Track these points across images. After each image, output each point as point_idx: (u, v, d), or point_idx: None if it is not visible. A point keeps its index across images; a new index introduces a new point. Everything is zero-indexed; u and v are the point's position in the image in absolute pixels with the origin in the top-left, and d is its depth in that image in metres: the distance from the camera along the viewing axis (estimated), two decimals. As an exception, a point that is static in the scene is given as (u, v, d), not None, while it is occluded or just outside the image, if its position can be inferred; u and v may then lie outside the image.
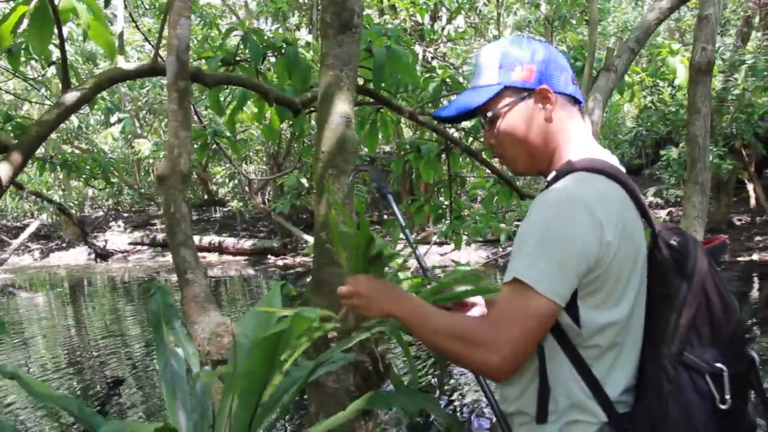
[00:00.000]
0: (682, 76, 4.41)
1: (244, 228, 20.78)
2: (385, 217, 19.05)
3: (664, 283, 1.30)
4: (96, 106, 7.13)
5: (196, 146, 4.49)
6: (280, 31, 12.14)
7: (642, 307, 1.33)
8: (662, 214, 15.54)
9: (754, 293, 9.59)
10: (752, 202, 14.44)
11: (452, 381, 6.05)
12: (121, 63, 3.19)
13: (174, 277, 12.10)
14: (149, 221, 23.11)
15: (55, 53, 4.40)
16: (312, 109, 3.80)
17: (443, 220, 5.44)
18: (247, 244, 18.63)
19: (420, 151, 4.61)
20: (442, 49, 14.59)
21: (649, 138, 14.54)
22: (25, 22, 2.71)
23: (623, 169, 1.37)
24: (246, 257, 18.18)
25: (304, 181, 15.24)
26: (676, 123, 12.65)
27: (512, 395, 1.40)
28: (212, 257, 18.43)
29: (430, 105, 4.44)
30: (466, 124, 5.16)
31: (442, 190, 5.74)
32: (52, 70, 5.99)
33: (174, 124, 2.43)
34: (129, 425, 1.12)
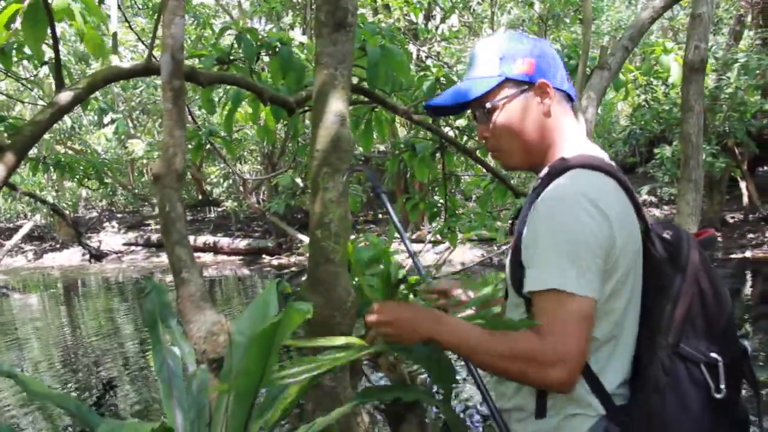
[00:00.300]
0: (675, 74, 4.43)
1: (238, 228, 20.75)
2: (380, 216, 19.07)
3: (658, 275, 1.31)
4: (89, 107, 7.10)
5: (190, 146, 4.48)
6: (274, 30, 12.13)
7: (638, 300, 1.34)
8: (656, 212, 15.60)
9: (747, 290, 9.63)
10: (745, 200, 14.50)
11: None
12: (115, 63, 3.19)
13: (168, 278, 12.09)
14: (143, 222, 23.05)
15: (48, 53, 4.39)
16: (306, 108, 3.80)
17: (438, 219, 5.44)
18: (241, 244, 18.61)
19: (415, 150, 4.61)
20: (436, 48, 14.59)
21: (643, 136, 14.59)
22: (18, 21, 2.70)
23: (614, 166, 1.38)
24: (241, 257, 18.16)
25: (298, 180, 15.23)
26: (669, 121, 12.69)
27: (509, 392, 1.41)
28: (207, 257, 18.39)
29: (424, 104, 4.43)
30: (461, 122, 5.16)
31: (436, 188, 5.73)
32: (44, 71, 5.96)
33: (169, 123, 2.42)
34: (126, 425, 1.12)
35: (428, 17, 15.18)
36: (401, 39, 4.04)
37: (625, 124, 16.16)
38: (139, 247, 20.84)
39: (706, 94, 10.34)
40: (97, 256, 19.21)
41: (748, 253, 12.36)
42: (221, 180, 20.55)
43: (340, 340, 1.38)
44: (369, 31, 3.62)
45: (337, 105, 2.19)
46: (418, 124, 4.33)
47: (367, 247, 2.91)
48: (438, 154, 4.75)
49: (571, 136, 1.43)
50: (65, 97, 2.63)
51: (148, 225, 22.48)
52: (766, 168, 16.40)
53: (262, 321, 1.78)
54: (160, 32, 2.70)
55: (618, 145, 15.77)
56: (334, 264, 2.15)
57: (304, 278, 2.29)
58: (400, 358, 1.54)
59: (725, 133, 12.36)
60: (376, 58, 3.45)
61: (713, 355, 1.28)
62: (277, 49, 3.68)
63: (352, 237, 2.77)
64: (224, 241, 18.98)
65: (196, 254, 2.58)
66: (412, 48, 11.50)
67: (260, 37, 3.77)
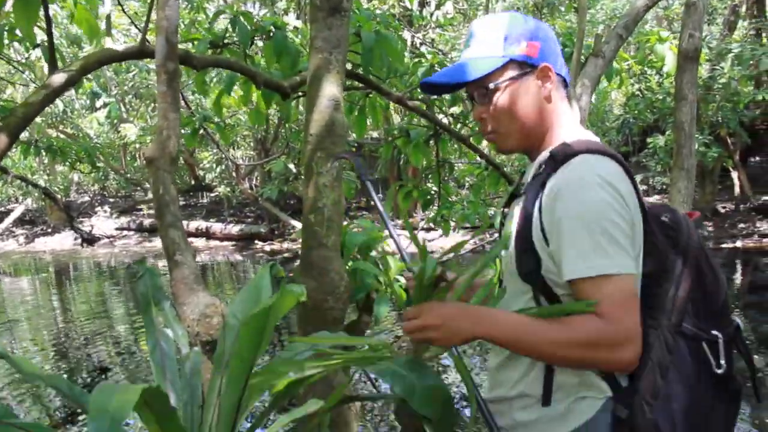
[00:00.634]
0: (670, 63, 4.43)
1: (231, 213, 20.73)
2: (373, 203, 19.06)
3: (659, 258, 1.32)
4: (81, 90, 7.07)
5: (185, 132, 4.47)
6: (268, 15, 12.06)
7: (639, 282, 1.35)
8: (648, 201, 15.64)
9: (738, 279, 9.70)
10: (737, 190, 14.57)
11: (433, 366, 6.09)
12: (109, 45, 3.17)
13: (161, 262, 12.09)
14: (135, 206, 22.99)
15: (40, 36, 4.36)
16: (300, 93, 3.79)
17: (431, 206, 5.45)
18: (234, 229, 18.60)
19: (409, 136, 4.60)
20: (431, 35, 14.54)
21: (636, 125, 14.64)
22: (10, 2, 2.68)
23: None
24: (233, 243, 18.15)
25: (291, 166, 15.21)
26: (663, 111, 12.73)
27: (513, 379, 1.41)
28: (199, 243, 18.38)
29: (419, 90, 4.43)
30: (455, 109, 5.15)
31: (429, 176, 5.73)
32: (36, 53, 5.92)
33: (163, 105, 2.41)
34: (120, 387, 1.12)
35: (423, 4, 15.12)
36: (396, 26, 4.03)
37: (619, 113, 16.19)
38: (131, 232, 20.80)
39: (700, 83, 10.35)
40: (89, 240, 19.15)
41: (738, 243, 12.44)
42: (214, 165, 20.49)
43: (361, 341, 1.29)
44: (364, 16, 3.61)
45: (331, 89, 2.19)
46: (413, 111, 4.32)
47: (360, 232, 2.92)
48: (432, 141, 4.74)
49: (568, 122, 1.43)
50: (58, 79, 2.62)
51: (140, 210, 22.43)
52: (758, 158, 16.48)
53: (255, 304, 1.78)
54: (154, 16, 2.69)
55: (611, 134, 15.81)
56: (327, 248, 2.15)
57: (296, 264, 2.29)
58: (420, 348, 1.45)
59: (718, 123, 12.41)
60: (370, 44, 3.44)
61: (714, 332, 1.31)
62: (272, 34, 3.66)
63: (345, 223, 2.77)
64: (217, 227, 18.96)
65: (188, 239, 2.58)
66: (406, 35, 11.46)
67: (255, 21, 3.76)
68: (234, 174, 18.71)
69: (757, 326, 6.74)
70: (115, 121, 18.24)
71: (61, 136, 17.02)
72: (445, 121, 4.97)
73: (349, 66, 3.65)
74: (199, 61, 3.12)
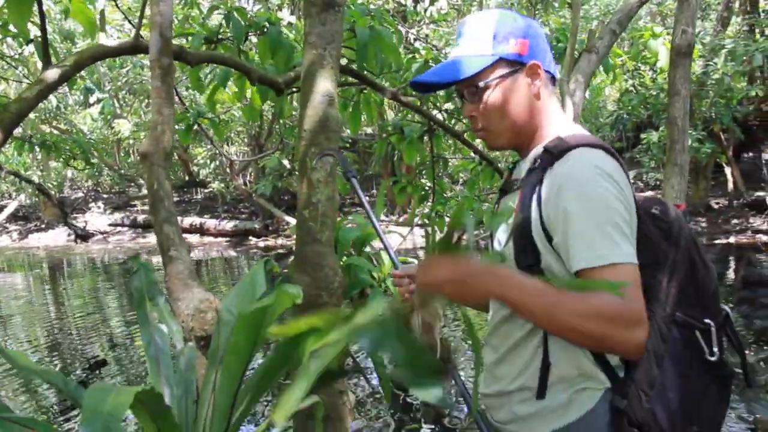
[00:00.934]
0: (664, 59, 4.45)
1: (225, 209, 20.71)
2: (367, 199, 19.06)
3: (652, 250, 1.34)
4: (75, 86, 7.03)
5: (179, 128, 4.46)
6: (262, 11, 12.02)
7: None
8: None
9: (730, 275, 9.74)
10: (730, 185, 14.62)
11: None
12: (103, 40, 3.16)
13: (155, 258, 12.05)
14: (129, 202, 22.94)
15: (33, 31, 4.35)
16: (295, 89, 3.79)
17: (425, 202, 5.46)
18: (228, 225, 18.58)
19: (403, 133, 4.61)
20: (425, 31, 14.52)
21: (630, 121, 14.66)
22: (4, -3, 2.67)
23: None
24: (227, 239, 18.14)
25: (285, 162, 15.19)
26: (656, 107, 12.76)
27: (512, 373, 1.42)
28: (193, 239, 18.35)
29: (410, 81, 4.43)
30: (449, 105, 5.16)
31: (424, 172, 5.73)
32: (30, 49, 5.90)
33: (157, 101, 2.41)
34: (113, 388, 1.13)
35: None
36: (390, 21, 4.02)
37: (613, 109, 16.23)
38: (125, 228, 20.76)
39: (693, 79, 10.39)
40: (83, 236, 19.12)
41: (732, 239, 12.48)
42: (208, 161, 20.47)
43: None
44: (358, 12, 3.61)
45: (325, 85, 2.19)
46: (407, 106, 4.33)
47: (354, 228, 2.93)
48: (426, 137, 4.75)
49: (558, 119, 1.45)
50: (52, 74, 2.61)
51: (134, 206, 22.38)
52: (751, 154, 16.52)
53: (249, 299, 1.79)
54: (147, 11, 2.68)
55: (605, 130, 15.84)
56: (321, 244, 2.16)
57: (290, 260, 2.29)
58: (435, 319, 1.30)
59: (711, 118, 12.45)
60: (365, 39, 3.44)
61: (706, 320, 1.33)
62: (266, 29, 3.66)
63: (339, 219, 2.77)
64: (211, 223, 18.94)
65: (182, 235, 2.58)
66: (400, 30, 11.43)
67: (249, 17, 3.75)
68: (228, 170, 18.68)
69: (749, 323, 6.77)
70: (109, 116, 18.17)
71: (55, 132, 16.96)
72: (439, 116, 4.98)
73: (343, 61, 3.65)
74: (194, 56, 3.12)
